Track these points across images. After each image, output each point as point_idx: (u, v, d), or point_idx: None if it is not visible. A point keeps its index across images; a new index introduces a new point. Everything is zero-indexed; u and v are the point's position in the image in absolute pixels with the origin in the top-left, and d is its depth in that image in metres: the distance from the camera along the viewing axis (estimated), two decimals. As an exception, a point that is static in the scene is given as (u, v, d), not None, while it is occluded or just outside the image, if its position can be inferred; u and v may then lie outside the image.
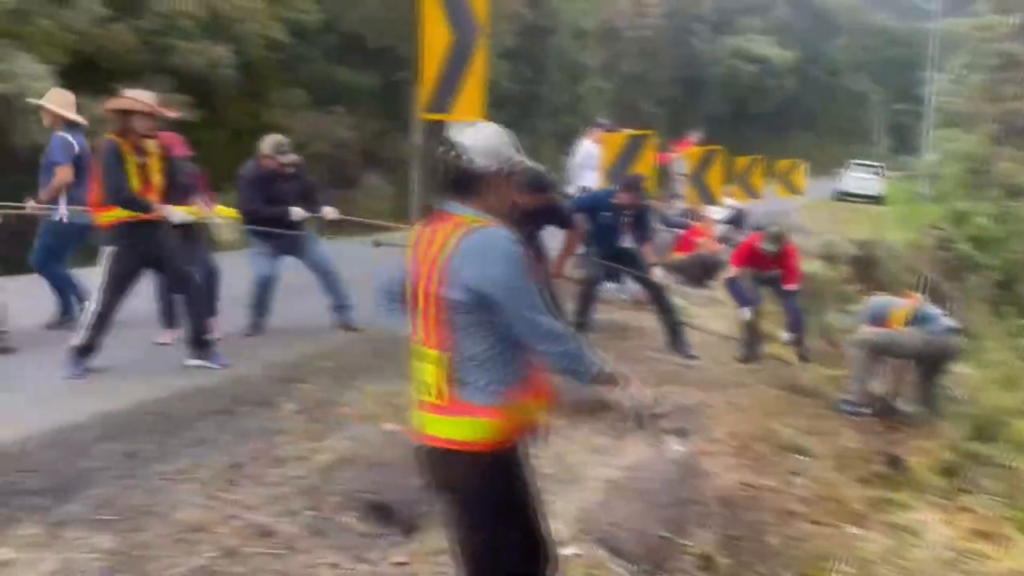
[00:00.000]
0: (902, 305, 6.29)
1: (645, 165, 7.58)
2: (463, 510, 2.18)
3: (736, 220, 12.57)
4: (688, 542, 3.50)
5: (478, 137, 2.10)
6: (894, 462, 4.97)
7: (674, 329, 6.40)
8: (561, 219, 5.83)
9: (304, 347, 5.49)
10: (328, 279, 6.11)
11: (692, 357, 6.26)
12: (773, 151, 21.55)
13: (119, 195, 4.67)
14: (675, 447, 4.52)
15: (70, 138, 5.71)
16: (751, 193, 13.48)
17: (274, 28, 18.65)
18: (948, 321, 6.14)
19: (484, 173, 2.08)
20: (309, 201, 6.03)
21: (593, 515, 3.52)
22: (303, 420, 4.10)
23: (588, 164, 9.00)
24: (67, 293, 5.86)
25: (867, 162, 29.66)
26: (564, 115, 26.33)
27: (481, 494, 2.13)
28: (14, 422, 3.88)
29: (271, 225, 5.82)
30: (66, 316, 5.78)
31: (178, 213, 4.86)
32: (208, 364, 4.99)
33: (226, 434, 3.84)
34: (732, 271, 6.97)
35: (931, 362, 6.09)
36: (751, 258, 6.79)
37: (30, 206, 5.69)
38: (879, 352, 6.12)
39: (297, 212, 5.88)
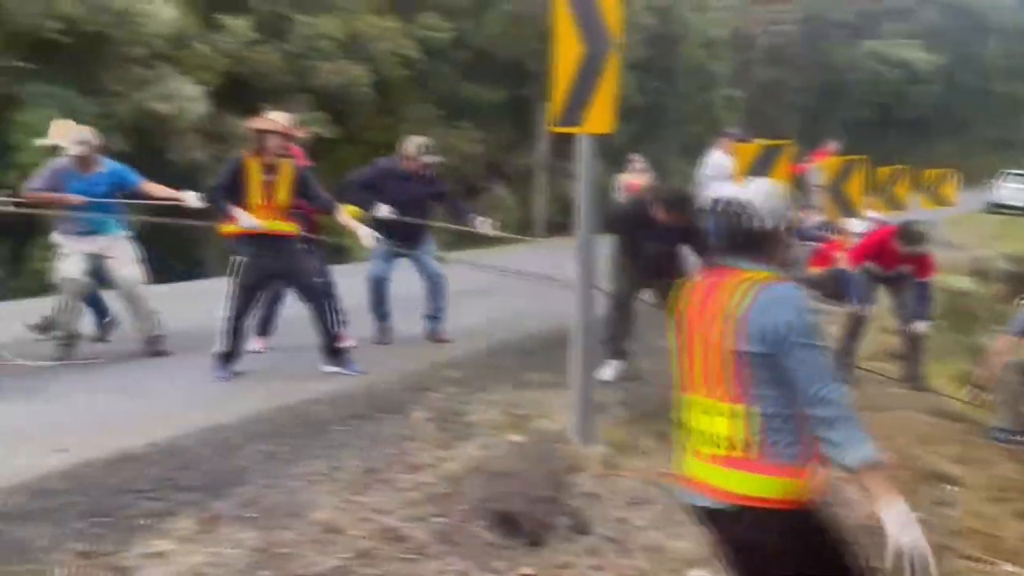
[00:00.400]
0: None
1: (780, 176, 7.33)
2: (754, 568, 2.14)
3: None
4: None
5: (762, 196, 2.19)
6: (1057, 497, 4.56)
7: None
8: (699, 242, 5.70)
9: (433, 357, 5.62)
10: (436, 286, 6.21)
11: None
12: (919, 160, 20.38)
13: (209, 195, 5.12)
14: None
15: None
16: (895, 205, 12.79)
17: (407, 46, 19.30)
18: None
19: (770, 231, 2.14)
20: (444, 204, 6.22)
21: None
22: (433, 428, 4.19)
23: (718, 175, 8.79)
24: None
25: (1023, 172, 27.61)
26: (692, 125, 25.88)
27: (775, 553, 2.09)
28: (171, 421, 4.19)
29: (404, 228, 5.94)
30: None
31: (248, 218, 4.98)
32: (344, 371, 5.19)
33: (361, 439, 3.97)
34: (847, 262, 6.63)
35: None
36: (879, 254, 6.40)
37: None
38: None
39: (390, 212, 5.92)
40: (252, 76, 17.33)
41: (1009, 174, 26.68)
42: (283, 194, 5.07)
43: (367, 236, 5.36)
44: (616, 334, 5.38)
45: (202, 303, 6.16)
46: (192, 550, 2.93)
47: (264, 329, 5.85)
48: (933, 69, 39.70)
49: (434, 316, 6.28)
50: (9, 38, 13.43)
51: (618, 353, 5.40)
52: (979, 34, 44.90)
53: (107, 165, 5.70)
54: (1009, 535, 3.95)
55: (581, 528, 3.41)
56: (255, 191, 5.00)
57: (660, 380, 5.31)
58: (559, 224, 22.13)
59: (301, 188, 5.16)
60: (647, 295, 5.51)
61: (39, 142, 5.68)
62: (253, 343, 5.73)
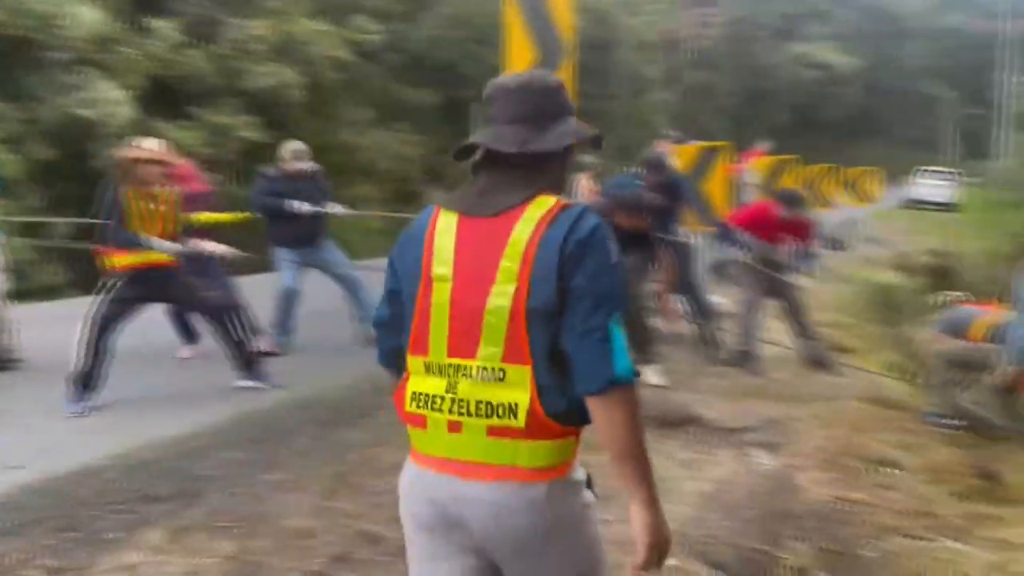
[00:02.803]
0: (982, 316, 6.10)
1: (719, 176, 7.57)
2: None
3: (833, 242, 12.42)
4: (784, 555, 3.49)
5: None
6: (990, 476, 4.84)
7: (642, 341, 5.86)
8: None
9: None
10: (351, 287, 6.19)
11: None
12: (843, 159, 21.18)
13: (116, 237, 4.69)
14: (764, 461, 4.51)
15: None
16: (823, 202, 13.29)
17: (340, 49, 19.13)
18: None
19: None
20: (320, 202, 6.14)
21: (688, 528, 3.54)
22: (400, 431, 4.20)
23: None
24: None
25: (938, 168, 28.92)
26: (627, 128, 26.28)
27: None
28: (130, 433, 4.14)
29: (296, 229, 5.95)
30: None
31: (165, 244, 4.78)
32: (258, 384, 5.05)
33: (329, 445, 3.97)
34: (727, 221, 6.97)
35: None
36: (761, 226, 6.62)
37: None
38: (957, 365, 5.95)
39: (301, 206, 5.96)
40: (180, 80, 16.93)
41: (924, 171, 27.89)
42: (165, 224, 4.82)
43: (220, 249, 5.17)
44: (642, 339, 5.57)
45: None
46: (164, 561, 2.90)
47: (189, 337, 5.89)
48: (852, 71, 41.21)
49: (365, 318, 6.15)
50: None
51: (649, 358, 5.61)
52: (895, 37, 46.82)
53: None
54: (948, 513, 4.17)
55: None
56: (136, 222, 4.73)
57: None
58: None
59: (178, 217, 4.93)
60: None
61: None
62: (181, 351, 5.80)
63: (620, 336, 1.53)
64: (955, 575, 3.53)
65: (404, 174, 20.99)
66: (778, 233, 6.66)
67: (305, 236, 6.08)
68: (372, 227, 19.15)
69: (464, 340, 1.58)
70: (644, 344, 5.68)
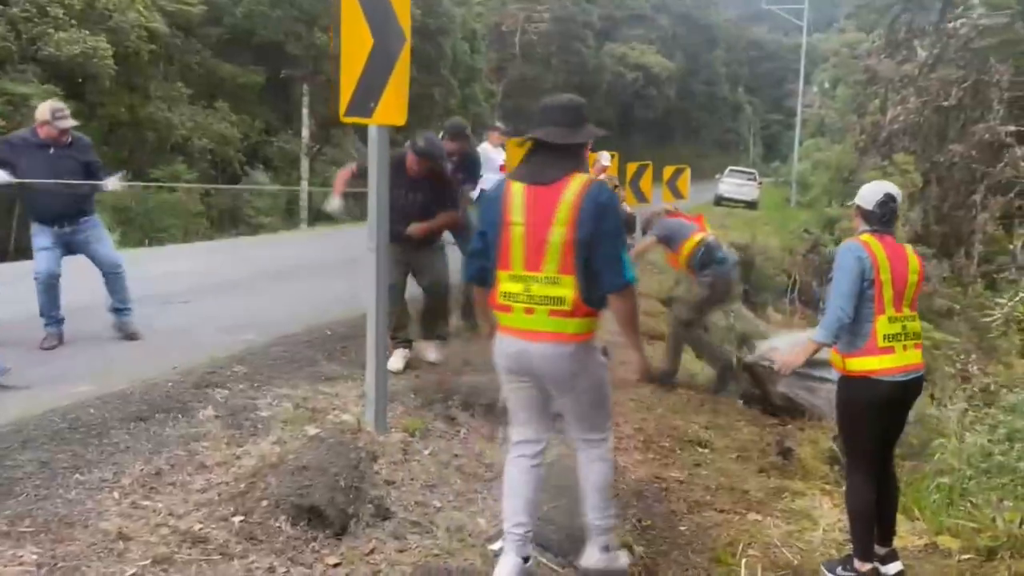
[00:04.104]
0: (694, 233, 6.34)
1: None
2: None
3: (626, 224, 13.01)
4: (608, 533, 3.66)
5: (899, 193, 3.50)
6: (786, 453, 5.32)
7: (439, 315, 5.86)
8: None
9: (215, 351, 5.34)
10: (113, 278, 5.69)
11: None
12: (658, 157, 22.36)
13: None
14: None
15: None
16: (641, 197, 13.96)
17: (154, 19, 17.93)
18: (732, 255, 6.52)
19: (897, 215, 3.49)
20: (92, 178, 5.54)
21: (518, 511, 3.63)
22: (222, 426, 4.03)
23: (488, 167, 9.08)
24: None
25: (743, 168, 31.19)
26: (456, 116, 26.33)
27: None
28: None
29: (51, 202, 5.32)
30: None
31: None
32: None
33: (145, 441, 3.73)
34: None
35: (719, 301, 6.50)
36: None
37: None
38: (687, 322, 6.36)
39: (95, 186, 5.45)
40: (-34, 40, 15.27)
41: (732, 171, 30.00)
42: None
43: None
44: (398, 323, 5.44)
45: None
46: (-41, 574, 2.64)
47: None
48: (668, 74, 43.52)
49: (120, 308, 5.74)
50: None
51: (403, 342, 5.49)
52: (707, 44, 49.89)
53: None
54: (752, 488, 4.55)
55: (383, 514, 3.47)
56: None
57: (445, 366, 5.48)
58: (326, 213, 21.68)
59: None
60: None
61: None
62: None
63: (627, 257, 2.82)
64: (759, 545, 3.85)
65: (223, 154, 19.98)
66: None
67: (65, 212, 5.42)
68: (192, 209, 18.09)
69: (534, 259, 2.81)
70: (438, 318, 5.68)
